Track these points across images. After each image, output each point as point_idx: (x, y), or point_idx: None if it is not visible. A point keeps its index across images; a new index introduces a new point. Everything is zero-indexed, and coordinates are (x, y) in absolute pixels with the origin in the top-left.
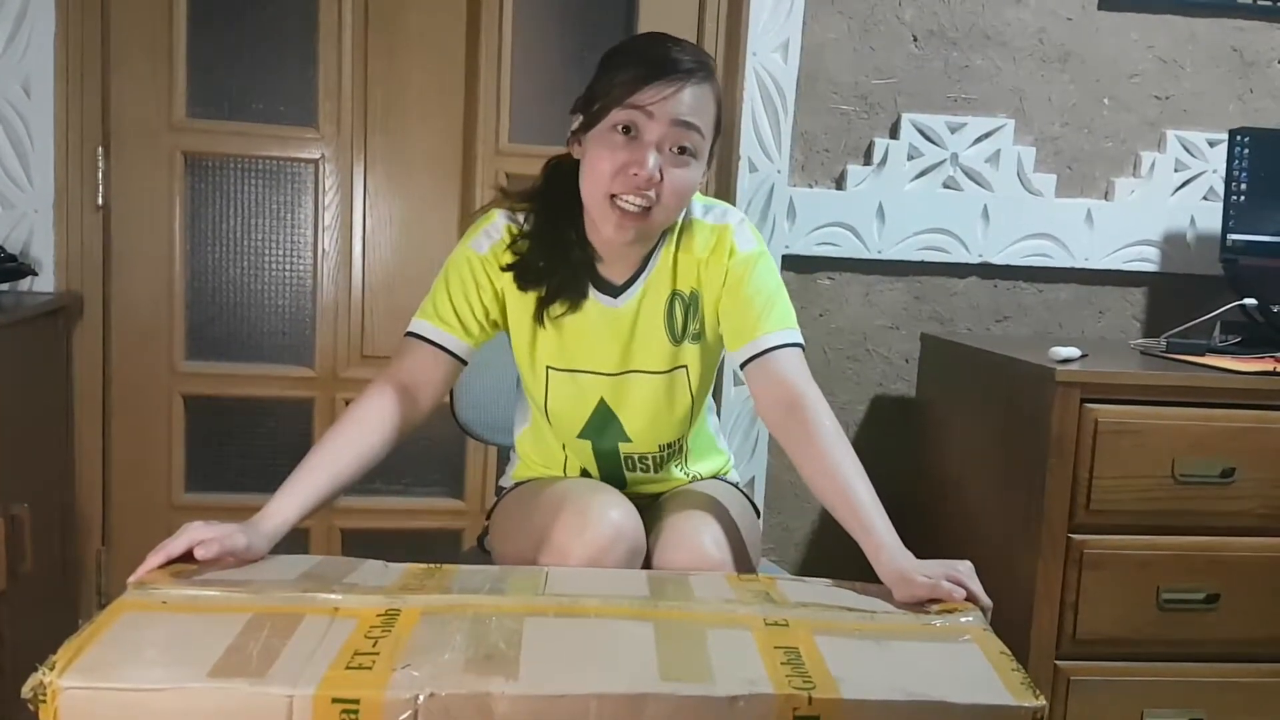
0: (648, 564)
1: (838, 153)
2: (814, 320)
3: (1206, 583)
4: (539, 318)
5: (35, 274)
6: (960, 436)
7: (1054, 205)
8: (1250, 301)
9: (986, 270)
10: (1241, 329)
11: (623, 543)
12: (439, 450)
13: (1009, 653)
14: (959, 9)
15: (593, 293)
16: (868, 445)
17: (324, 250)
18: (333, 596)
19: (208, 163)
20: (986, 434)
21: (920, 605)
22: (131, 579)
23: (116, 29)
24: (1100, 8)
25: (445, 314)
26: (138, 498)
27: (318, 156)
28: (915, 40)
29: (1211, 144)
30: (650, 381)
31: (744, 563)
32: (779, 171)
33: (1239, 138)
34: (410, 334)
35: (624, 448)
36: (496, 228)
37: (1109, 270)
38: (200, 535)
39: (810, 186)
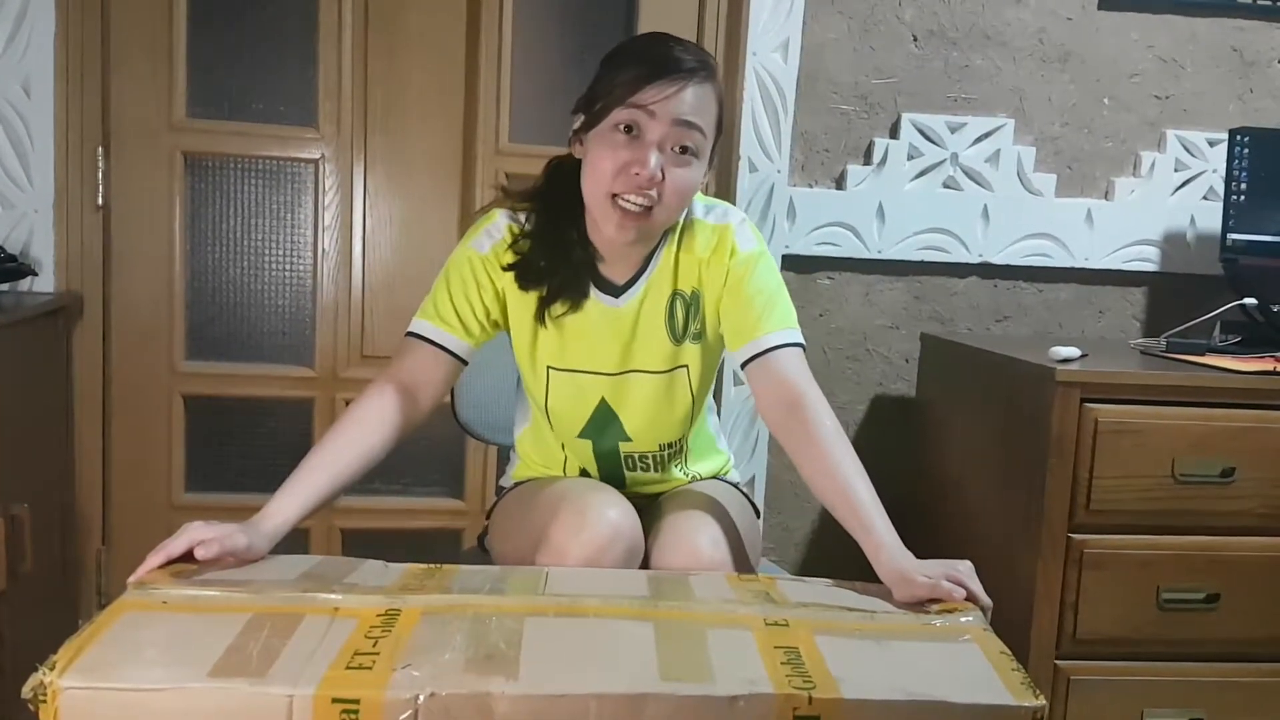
0: (646, 564)
1: (838, 152)
2: (814, 320)
3: (1207, 582)
4: (540, 317)
5: (35, 274)
6: (960, 436)
7: (1054, 205)
8: (1250, 301)
9: (986, 270)
10: (1241, 329)
11: (620, 542)
12: (439, 450)
13: (1009, 652)
14: (959, 9)
15: (594, 292)
16: (868, 445)
17: (324, 250)
18: (333, 596)
19: (208, 163)
20: (986, 434)
21: (920, 605)
22: (132, 579)
23: (116, 29)
24: (1100, 7)
25: (446, 314)
26: (138, 498)
27: (318, 156)
28: (915, 40)
29: (1211, 144)
30: (650, 381)
31: (743, 563)
32: (779, 171)
33: (1239, 137)
34: (411, 334)
35: (624, 447)
36: (498, 227)
37: (1109, 270)
38: (200, 535)
39: (810, 186)
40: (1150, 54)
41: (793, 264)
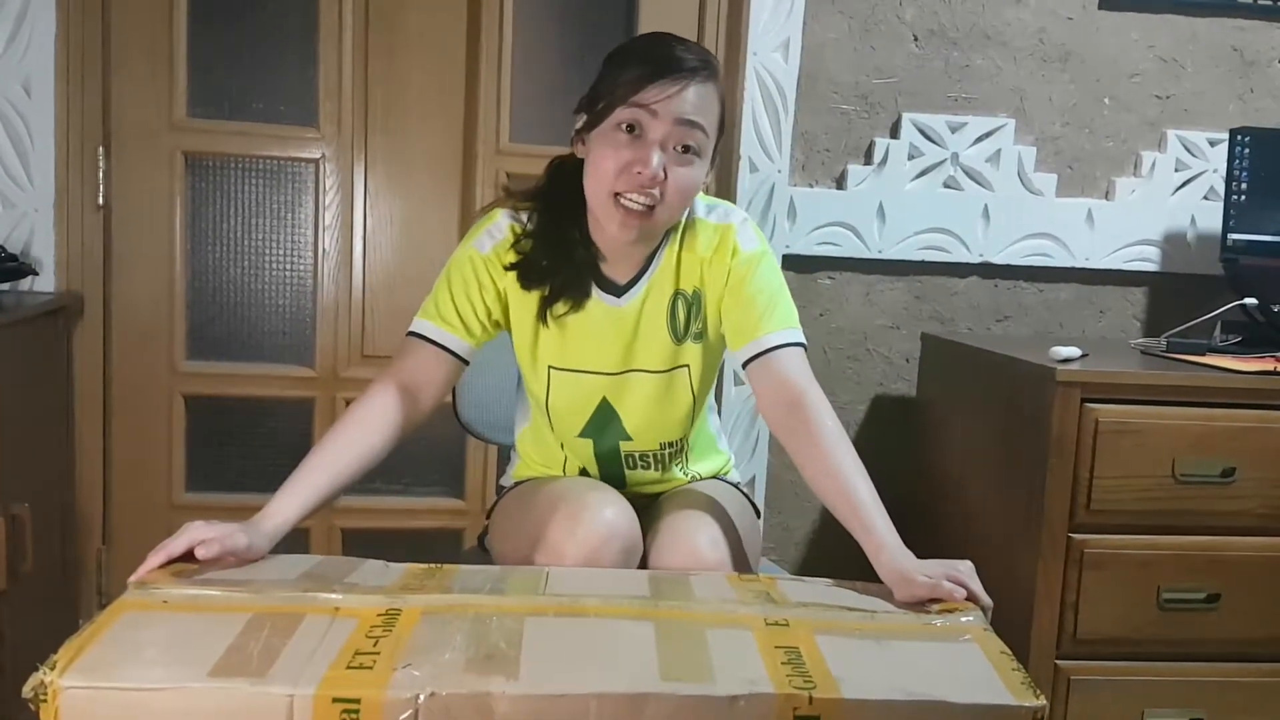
0: (645, 564)
1: (838, 152)
2: (814, 320)
3: (1207, 582)
4: (542, 317)
5: (36, 274)
6: (961, 436)
7: (1054, 205)
8: (1251, 301)
9: (987, 270)
10: (1242, 329)
11: (617, 541)
12: (439, 450)
13: (1009, 652)
14: (959, 9)
15: (596, 292)
16: (868, 445)
17: (324, 250)
18: (333, 596)
19: (208, 162)
20: (987, 434)
21: (921, 605)
22: (132, 579)
23: (117, 29)
24: (1101, 7)
25: (447, 314)
26: (138, 497)
27: (318, 156)
28: (916, 40)
29: (1212, 143)
30: (651, 380)
31: (742, 563)
32: (779, 171)
33: (1239, 137)
34: (412, 334)
35: (625, 446)
36: (499, 227)
37: (1109, 270)
38: (201, 535)
39: (811, 186)
40: (1151, 54)
41: (793, 264)
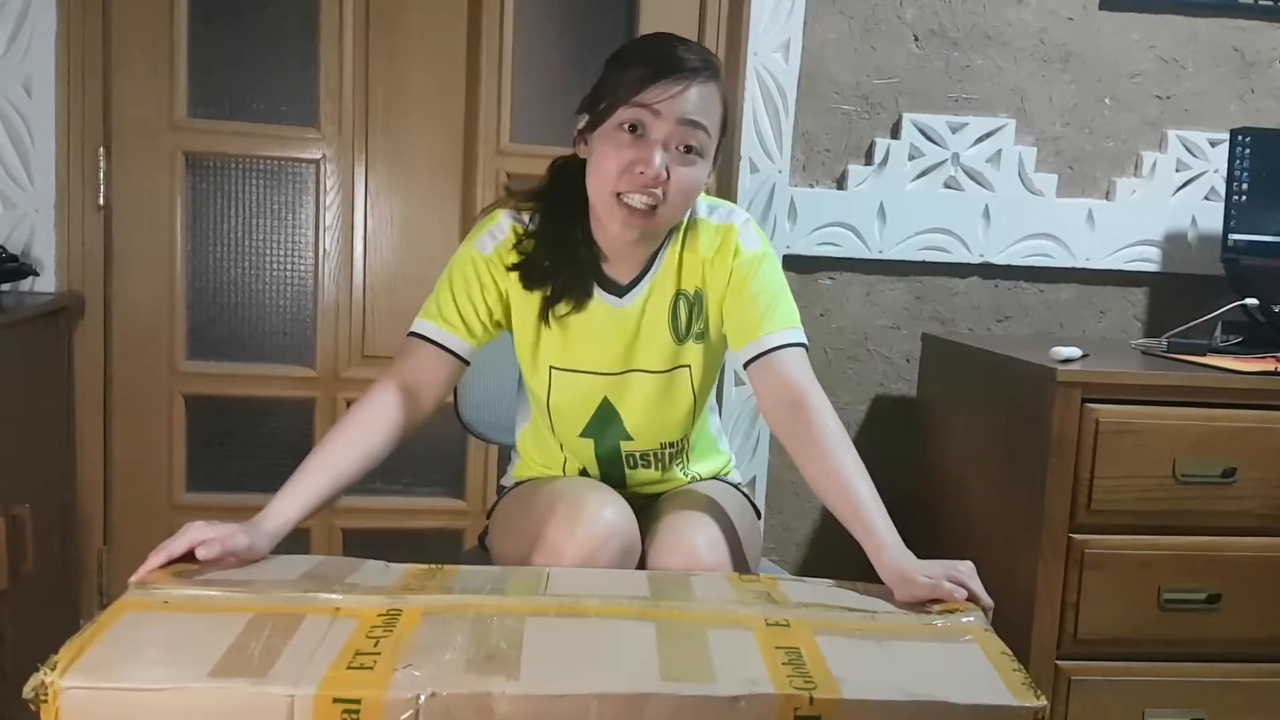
0: (643, 564)
1: (839, 153)
2: (815, 320)
3: (1207, 583)
4: (544, 317)
5: (36, 274)
6: (961, 436)
7: (1055, 205)
8: (1251, 301)
9: (987, 270)
10: (1243, 329)
11: (615, 541)
12: (440, 450)
13: (1010, 653)
14: (960, 9)
15: (598, 292)
16: (869, 445)
17: (325, 250)
18: (334, 596)
19: (209, 163)
20: (987, 434)
21: (921, 605)
22: (133, 579)
23: (117, 29)
24: (1101, 8)
25: (449, 314)
26: (139, 497)
27: (319, 156)
28: (916, 40)
29: (1213, 144)
30: (651, 380)
31: (741, 564)
32: (780, 171)
33: (1240, 138)
34: (413, 334)
35: (625, 446)
36: (501, 228)
37: (1110, 270)
38: (202, 535)
39: (811, 186)
40: (1151, 54)
41: (794, 264)
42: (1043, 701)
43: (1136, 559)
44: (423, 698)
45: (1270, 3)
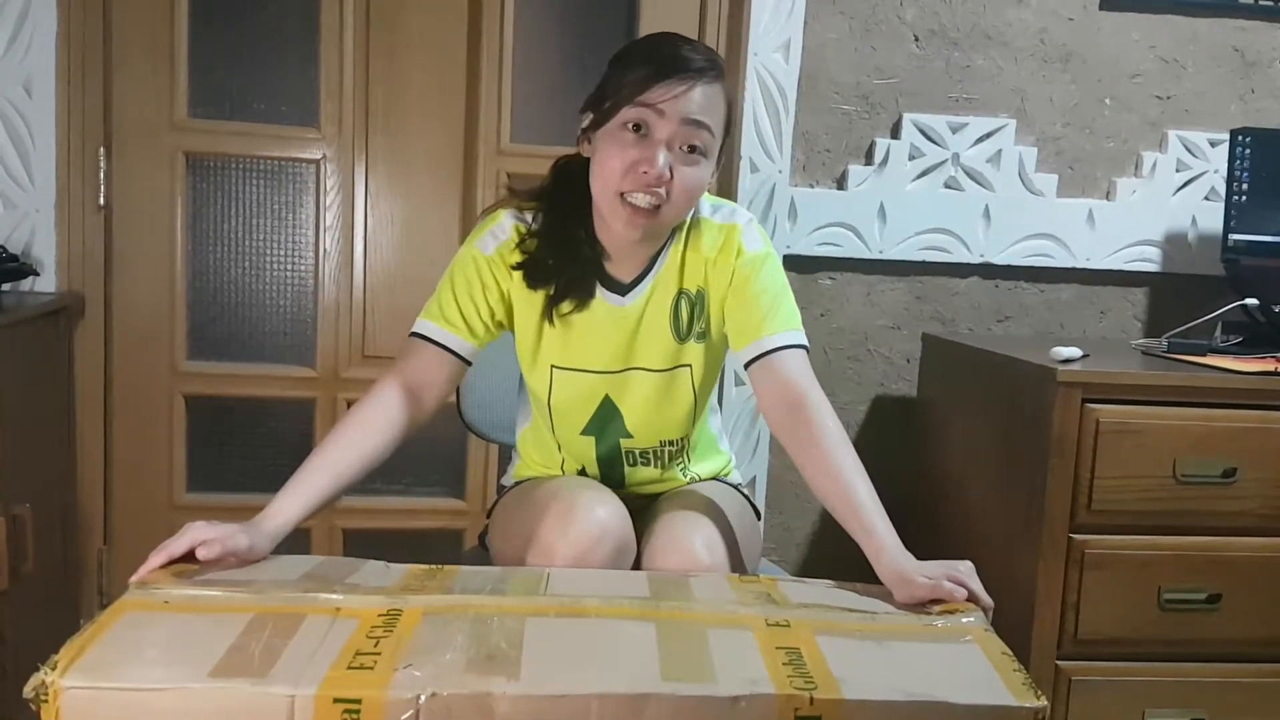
0: (639, 565)
1: (839, 153)
2: (815, 320)
3: (1208, 583)
4: (548, 316)
5: (37, 274)
6: (961, 436)
7: (1055, 205)
8: (1251, 301)
9: (988, 270)
10: (1243, 329)
11: (608, 540)
12: (440, 450)
13: (1010, 653)
14: (960, 9)
15: (600, 291)
16: (869, 445)
17: (325, 250)
18: (334, 597)
19: (209, 163)
20: (988, 434)
21: (921, 606)
22: (133, 579)
23: (118, 29)
24: (1101, 8)
25: (450, 315)
26: (139, 497)
27: (319, 157)
28: (916, 40)
29: (1213, 144)
30: (651, 379)
31: (738, 566)
32: (780, 171)
33: (1240, 138)
34: (414, 334)
35: (625, 443)
36: (503, 228)
37: (1110, 270)
38: (202, 535)
39: (811, 186)
40: (1152, 54)
41: (794, 264)
42: (1043, 702)
43: (1137, 559)
44: (423, 698)
45: (1270, 3)
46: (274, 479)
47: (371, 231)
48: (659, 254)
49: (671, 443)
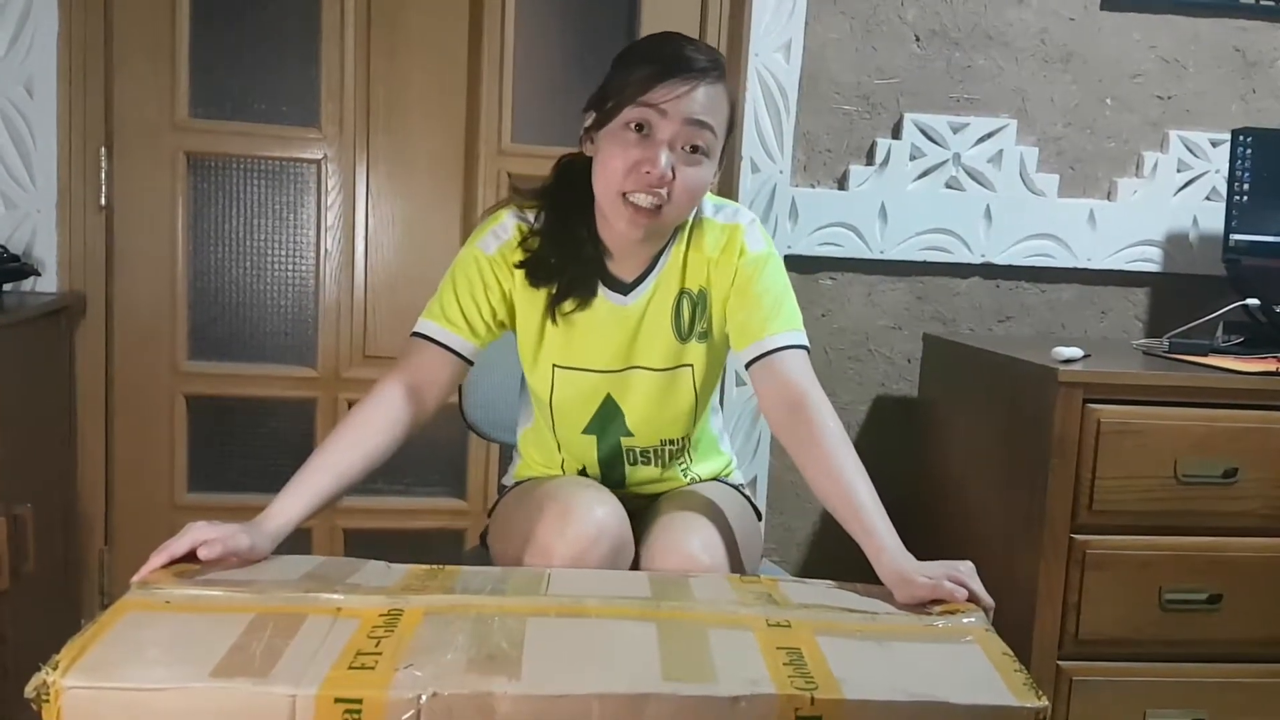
0: (638, 566)
1: (840, 153)
2: (816, 320)
3: (1209, 583)
4: (550, 315)
5: (38, 274)
6: (962, 437)
7: (1056, 205)
8: (1253, 302)
9: (989, 270)
10: (1244, 329)
11: (605, 540)
12: (441, 450)
13: (1011, 653)
14: (961, 9)
15: (602, 290)
16: (870, 445)
17: (326, 250)
18: (335, 597)
19: (210, 163)
20: (989, 434)
21: (922, 606)
22: (135, 579)
23: (119, 29)
24: (1103, 8)
25: (452, 314)
26: (140, 497)
27: (320, 157)
28: (917, 40)
29: (1214, 144)
30: (652, 378)
31: (737, 566)
32: (781, 172)
33: (1241, 138)
34: (416, 334)
35: (626, 441)
36: (505, 228)
37: (1111, 270)
38: (203, 535)
39: (812, 186)
40: (1153, 54)
41: (795, 264)
42: (1044, 702)
43: (1138, 559)
44: (424, 698)
45: (1271, 3)
46: (275, 479)
47: (372, 231)
48: (661, 253)
49: (672, 442)
